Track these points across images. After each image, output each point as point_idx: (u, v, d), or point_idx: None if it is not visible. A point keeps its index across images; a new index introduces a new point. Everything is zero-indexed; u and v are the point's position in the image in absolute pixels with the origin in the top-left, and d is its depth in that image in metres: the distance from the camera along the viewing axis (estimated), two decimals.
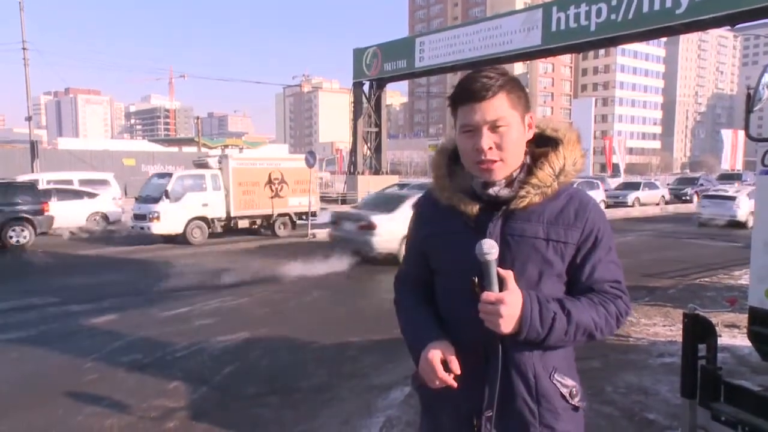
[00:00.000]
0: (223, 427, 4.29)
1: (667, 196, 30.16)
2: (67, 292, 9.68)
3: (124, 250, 14.59)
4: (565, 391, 1.61)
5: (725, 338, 5.70)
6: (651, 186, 28.76)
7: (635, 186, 29.81)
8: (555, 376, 1.60)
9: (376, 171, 32.87)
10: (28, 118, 29.11)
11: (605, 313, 1.55)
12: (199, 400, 4.85)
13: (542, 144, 1.66)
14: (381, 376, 5.21)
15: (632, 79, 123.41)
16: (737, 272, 10.29)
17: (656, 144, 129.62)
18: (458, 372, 1.58)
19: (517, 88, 1.58)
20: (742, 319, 5.78)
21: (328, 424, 4.28)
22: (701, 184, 33.86)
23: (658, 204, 27.93)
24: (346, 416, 4.36)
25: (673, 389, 4.66)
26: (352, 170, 33.39)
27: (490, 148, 1.53)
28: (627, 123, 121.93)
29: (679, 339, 3.78)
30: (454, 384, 1.57)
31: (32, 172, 23.34)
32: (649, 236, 17.43)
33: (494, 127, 1.53)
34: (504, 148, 1.54)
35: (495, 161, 1.54)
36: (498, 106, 1.53)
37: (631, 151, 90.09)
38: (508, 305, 1.43)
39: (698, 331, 3.41)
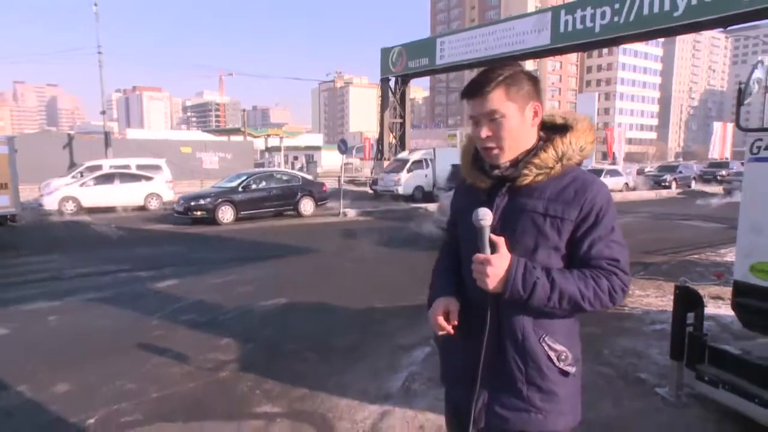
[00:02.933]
0: (268, 377, 4.38)
1: (631, 184, 29.44)
2: (135, 260, 9.91)
3: (177, 227, 14.82)
4: (552, 354, 1.59)
5: (711, 308, 5.62)
6: (614, 173, 28.00)
7: (598, 173, 29.10)
8: (545, 339, 1.59)
9: None
10: (102, 113, 30.01)
11: (595, 287, 1.51)
12: (247, 354, 4.96)
13: (558, 130, 1.67)
14: (405, 338, 5.25)
15: (632, 76, 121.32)
16: (723, 250, 10.08)
17: (653, 135, 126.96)
18: (454, 323, 1.66)
19: (519, 81, 1.59)
20: (727, 291, 5.71)
21: (358, 377, 4.34)
22: (680, 172, 33.16)
23: (621, 190, 27.31)
24: (374, 371, 4.41)
25: (663, 352, 4.63)
26: (379, 157, 33.34)
27: (488, 137, 1.59)
28: (627, 116, 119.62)
29: (670, 308, 3.76)
30: (451, 332, 1.65)
31: (106, 158, 23.83)
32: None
33: (491, 119, 1.58)
34: (500, 137, 1.59)
35: (493, 148, 1.60)
36: (494, 100, 1.57)
37: (630, 141, 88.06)
38: (494, 266, 1.47)
39: (687, 301, 3.41)
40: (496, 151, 1.60)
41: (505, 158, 1.61)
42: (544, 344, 1.59)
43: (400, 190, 22.59)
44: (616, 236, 1.58)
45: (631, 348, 4.86)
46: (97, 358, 4.91)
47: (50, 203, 17.80)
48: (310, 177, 20.08)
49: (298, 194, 17.16)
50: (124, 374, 4.50)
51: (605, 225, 1.56)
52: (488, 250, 1.50)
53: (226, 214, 15.41)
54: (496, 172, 1.63)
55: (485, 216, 1.49)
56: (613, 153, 34.84)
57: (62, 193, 18.14)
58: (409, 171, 23.11)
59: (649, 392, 3.95)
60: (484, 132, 1.59)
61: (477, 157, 1.73)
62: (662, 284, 7.36)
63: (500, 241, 1.51)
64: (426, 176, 23.29)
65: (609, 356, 4.64)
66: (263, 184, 16.82)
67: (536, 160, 1.58)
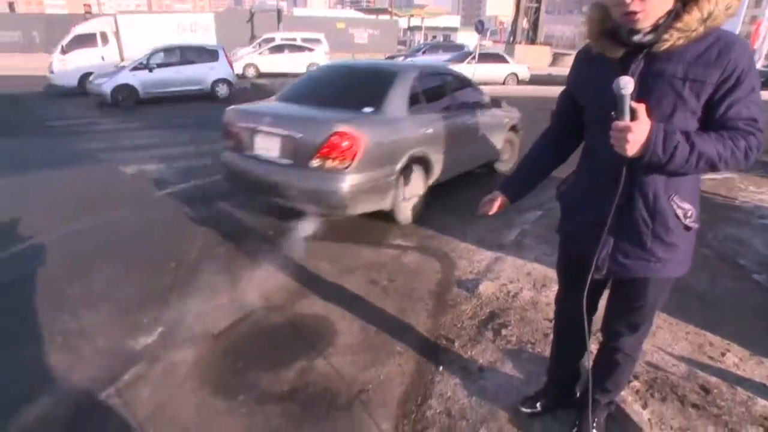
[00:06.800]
0: (391, 220, 4.61)
1: None
2: None
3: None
4: (680, 212, 1.50)
5: None
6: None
7: None
8: (674, 198, 1.48)
9: (532, 41, 29.78)
10: None
11: (732, 147, 1.34)
12: None
13: None
14: (519, 201, 5.12)
15: None
16: None
17: None
18: (492, 212, 1.86)
19: None
20: None
21: (477, 229, 4.38)
22: None
23: None
24: (490, 225, 4.43)
25: (766, 244, 4.17)
26: (511, 40, 30.55)
27: (633, 0, 1.33)
28: None
29: None
30: (485, 214, 1.87)
31: (277, 32, 24.42)
32: None
33: None
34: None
35: (637, 12, 1.34)
36: None
37: None
38: (634, 132, 1.31)
39: None
40: (640, 15, 1.34)
41: (648, 22, 1.36)
42: (673, 203, 1.49)
43: None
44: (755, 97, 1.36)
45: (736, 236, 4.38)
46: None
47: (237, 68, 18.86)
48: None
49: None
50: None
51: (746, 86, 1.33)
52: (628, 117, 1.33)
53: None
54: (636, 38, 1.39)
55: (627, 84, 1.29)
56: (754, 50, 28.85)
57: (246, 61, 19.21)
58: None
59: (746, 277, 3.60)
60: None
61: (604, 25, 1.48)
62: None
63: (641, 108, 1.33)
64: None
65: (712, 240, 4.24)
66: None
67: (679, 24, 1.33)
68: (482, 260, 3.75)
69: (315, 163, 3.70)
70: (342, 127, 3.64)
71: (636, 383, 2.36)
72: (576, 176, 1.74)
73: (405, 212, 4.38)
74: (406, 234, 4.26)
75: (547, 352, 2.53)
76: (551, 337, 2.61)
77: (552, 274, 3.46)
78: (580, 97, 1.65)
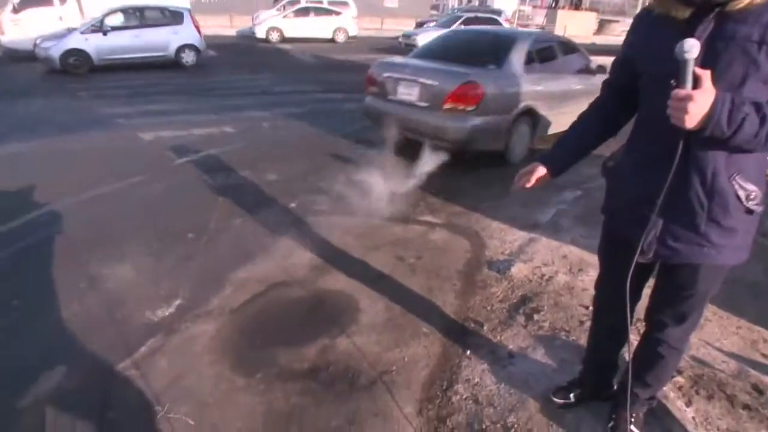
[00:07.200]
0: (430, 192, 4.54)
1: None
2: (326, 84, 10.40)
3: (363, 57, 14.95)
4: (742, 193, 1.39)
5: None
6: None
7: None
8: (737, 177, 1.38)
9: (577, 7, 28.78)
10: None
11: None
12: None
13: None
14: (558, 179, 4.98)
15: None
16: None
17: None
18: (529, 185, 1.80)
19: None
20: None
21: (510, 205, 4.31)
22: None
23: None
24: (524, 202, 4.34)
25: None
26: (553, 5, 29.55)
27: None
28: None
29: None
30: (522, 188, 1.81)
31: None
32: None
33: None
34: None
35: None
36: None
37: None
38: (696, 102, 1.20)
39: None
40: None
41: None
42: (734, 183, 1.38)
43: None
44: None
45: None
46: (296, 159, 5.42)
47: (260, 32, 18.86)
48: None
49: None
50: (316, 174, 4.97)
51: None
52: (690, 85, 1.23)
53: None
54: None
55: (692, 48, 1.19)
56: None
57: (269, 24, 19.08)
58: None
59: None
60: None
61: None
62: None
63: (705, 74, 1.22)
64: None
65: None
66: None
67: None
68: (515, 240, 3.69)
69: (446, 106, 4.84)
70: (470, 79, 4.78)
71: (680, 379, 2.29)
72: (626, 150, 1.65)
73: (514, 153, 5.38)
74: (435, 210, 4.21)
75: (582, 341, 2.49)
76: (587, 324, 2.58)
77: (589, 258, 3.38)
78: (637, 63, 1.53)
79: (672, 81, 1.24)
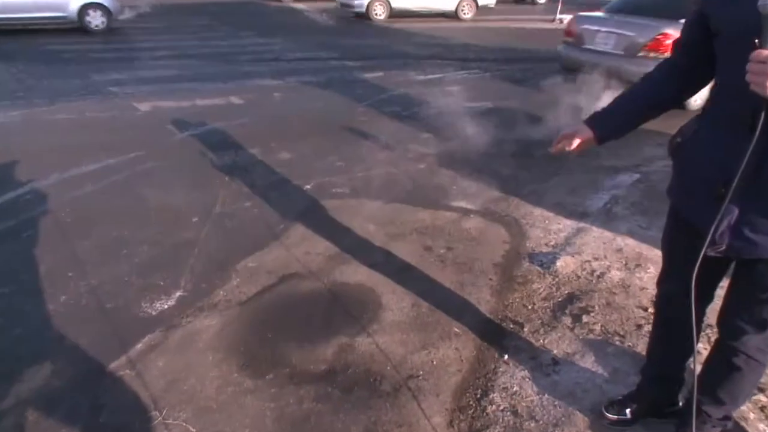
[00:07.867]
0: (464, 173, 4.48)
1: None
2: (343, 50, 10.36)
3: (380, 20, 14.85)
4: None
5: None
6: None
7: None
8: None
9: None
10: None
11: None
12: (445, 151, 5.03)
13: None
14: (612, 160, 4.84)
15: None
16: None
17: None
18: (570, 149, 1.72)
19: None
20: None
21: (555, 188, 4.23)
22: None
23: None
24: (573, 186, 4.25)
25: None
26: None
27: None
28: None
29: None
30: (564, 150, 1.74)
31: None
32: None
33: None
34: None
35: None
36: None
37: None
38: None
39: None
40: None
41: None
42: None
43: None
44: None
45: None
46: (311, 135, 5.40)
47: (360, 4, 15.59)
48: None
49: None
50: (334, 152, 4.94)
51: None
52: None
53: None
54: None
55: None
56: None
57: None
58: None
59: None
60: None
61: None
62: None
63: None
64: None
65: None
66: None
67: None
68: (560, 230, 3.61)
69: (641, 53, 6.26)
70: (665, 30, 6.10)
71: (762, 397, 2.19)
72: (697, 124, 1.57)
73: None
74: (469, 194, 4.15)
75: (640, 348, 2.43)
76: (646, 329, 2.51)
77: (648, 252, 3.28)
78: (713, 20, 1.45)
79: (755, 40, 1.17)
